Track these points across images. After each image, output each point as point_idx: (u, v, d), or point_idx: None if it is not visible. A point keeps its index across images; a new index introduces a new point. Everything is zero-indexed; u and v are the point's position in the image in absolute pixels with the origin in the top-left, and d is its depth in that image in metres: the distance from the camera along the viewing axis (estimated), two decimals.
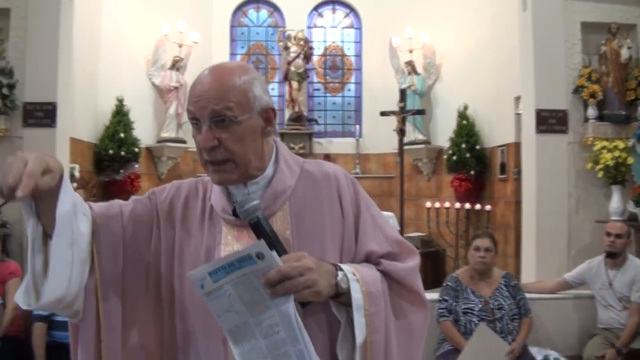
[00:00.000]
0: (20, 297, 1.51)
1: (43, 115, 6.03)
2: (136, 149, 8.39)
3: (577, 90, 6.18)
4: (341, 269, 1.56)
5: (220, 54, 10.23)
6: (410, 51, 9.49)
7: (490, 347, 4.34)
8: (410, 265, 1.73)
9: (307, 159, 1.83)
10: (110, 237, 1.65)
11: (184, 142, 9.32)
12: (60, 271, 1.48)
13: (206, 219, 1.69)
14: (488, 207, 7.77)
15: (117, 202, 1.73)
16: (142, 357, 1.66)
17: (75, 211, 1.52)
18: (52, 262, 1.47)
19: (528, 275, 6.06)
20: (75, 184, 6.75)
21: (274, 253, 1.41)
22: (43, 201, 1.47)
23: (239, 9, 10.77)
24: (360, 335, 1.54)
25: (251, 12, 10.88)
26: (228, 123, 1.54)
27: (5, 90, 5.81)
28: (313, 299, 1.47)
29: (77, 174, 7.06)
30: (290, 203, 1.66)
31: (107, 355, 1.62)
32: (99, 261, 1.61)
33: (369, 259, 1.69)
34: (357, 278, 1.57)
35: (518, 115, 7.07)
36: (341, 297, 1.55)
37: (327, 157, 10.02)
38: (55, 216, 1.45)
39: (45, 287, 1.47)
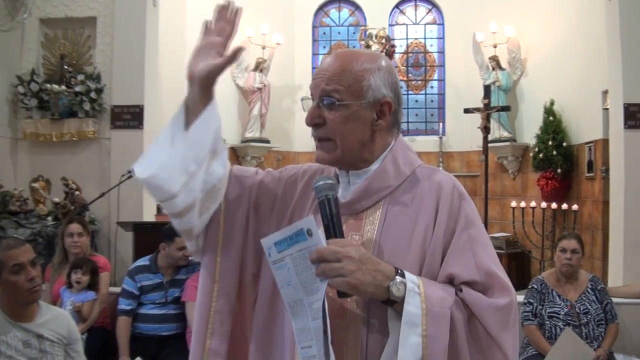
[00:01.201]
0: (137, 163, 1.54)
1: (130, 117, 6.33)
2: None
3: None
4: (403, 276, 1.44)
5: (303, 54, 10.37)
6: (495, 46, 9.20)
7: (576, 353, 4.21)
8: (497, 303, 1.48)
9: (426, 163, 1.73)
10: (238, 195, 1.74)
11: (267, 142, 9.50)
12: (177, 167, 1.53)
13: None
14: (575, 207, 7.46)
15: (254, 169, 1.82)
16: (245, 311, 1.73)
17: (214, 150, 1.60)
18: (175, 152, 1.53)
19: (615, 278, 5.80)
20: None
21: (321, 232, 1.40)
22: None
23: (320, 9, 10.83)
24: (408, 356, 1.38)
25: (333, 11, 10.93)
26: (336, 105, 1.56)
27: (93, 94, 6.14)
28: (345, 289, 1.40)
29: None
30: (385, 204, 1.61)
31: (218, 297, 1.69)
32: (224, 211, 1.72)
33: (451, 283, 1.52)
34: (419, 292, 1.42)
35: (606, 110, 6.73)
36: (395, 305, 1.43)
37: None
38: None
39: (158, 166, 1.52)
